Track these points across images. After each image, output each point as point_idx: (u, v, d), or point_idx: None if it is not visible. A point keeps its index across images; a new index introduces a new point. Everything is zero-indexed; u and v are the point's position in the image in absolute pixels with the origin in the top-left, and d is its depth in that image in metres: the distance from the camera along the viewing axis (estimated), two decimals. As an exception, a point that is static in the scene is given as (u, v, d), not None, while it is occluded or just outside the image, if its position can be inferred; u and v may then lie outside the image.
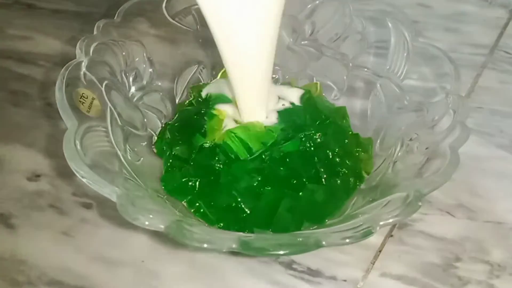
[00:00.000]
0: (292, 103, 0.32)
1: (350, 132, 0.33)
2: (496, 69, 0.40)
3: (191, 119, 0.32)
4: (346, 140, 0.32)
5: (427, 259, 0.30)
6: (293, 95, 0.33)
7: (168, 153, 0.31)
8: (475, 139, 0.35)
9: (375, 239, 0.31)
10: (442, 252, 0.30)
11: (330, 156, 0.30)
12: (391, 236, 0.31)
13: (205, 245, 0.20)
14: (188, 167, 0.30)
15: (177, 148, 0.30)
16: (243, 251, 0.21)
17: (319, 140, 0.30)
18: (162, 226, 0.21)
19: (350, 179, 0.30)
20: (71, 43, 0.43)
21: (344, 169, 0.30)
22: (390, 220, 0.22)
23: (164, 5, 0.34)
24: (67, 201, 0.33)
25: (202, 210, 0.28)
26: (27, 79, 0.41)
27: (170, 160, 0.31)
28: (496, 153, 0.35)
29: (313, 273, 0.29)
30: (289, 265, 0.30)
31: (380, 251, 0.30)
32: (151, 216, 0.21)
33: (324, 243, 0.21)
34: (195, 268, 0.29)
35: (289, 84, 0.36)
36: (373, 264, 0.30)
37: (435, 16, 0.44)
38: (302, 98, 0.33)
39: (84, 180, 0.23)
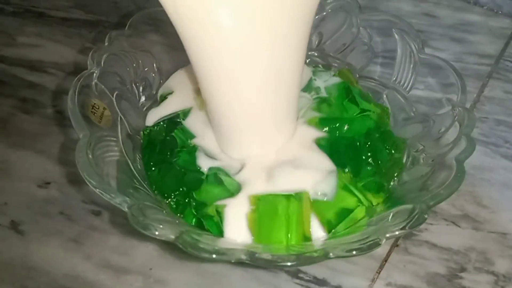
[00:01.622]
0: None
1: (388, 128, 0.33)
2: (501, 79, 0.40)
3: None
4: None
5: (432, 269, 0.30)
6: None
7: None
8: (481, 149, 0.36)
9: (381, 249, 0.31)
10: (447, 262, 0.30)
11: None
12: (397, 246, 0.31)
13: (214, 256, 0.21)
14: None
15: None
16: (251, 262, 0.21)
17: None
18: (173, 236, 0.21)
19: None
20: (81, 52, 0.44)
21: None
22: (397, 233, 0.22)
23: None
24: (77, 208, 0.33)
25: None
26: (38, 87, 0.42)
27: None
28: (502, 163, 0.35)
29: (319, 282, 0.30)
30: (295, 274, 0.30)
31: (385, 261, 0.30)
32: (161, 226, 0.22)
33: (331, 254, 0.21)
34: (202, 276, 0.30)
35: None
36: (379, 273, 0.30)
37: (441, 26, 0.44)
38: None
39: (96, 190, 0.23)
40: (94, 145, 0.26)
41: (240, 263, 0.30)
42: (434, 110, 0.31)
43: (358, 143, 0.30)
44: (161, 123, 0.33)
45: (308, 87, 0.35)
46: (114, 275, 0.30)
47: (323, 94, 0.34)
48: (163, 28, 0.35)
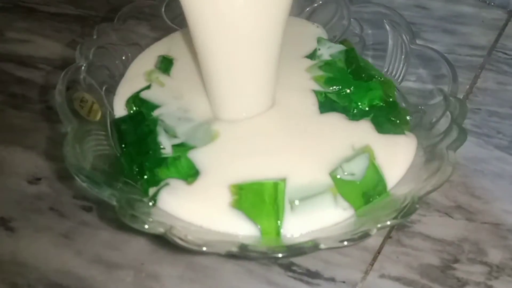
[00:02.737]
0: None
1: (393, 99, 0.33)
2: (494, 71, 0.40)
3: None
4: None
5: (425, 261, 0.30)
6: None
7: None
8: (473, 140, 0.35)
9: (374, 241, 0.31)
10: (441, 253, 0.30)
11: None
12: (390, 237, 0.31)
13: (204, 248, 0.21)
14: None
15: None
16: (241, 254, 0.21)
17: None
18: (162, 230, 0.21)
19: None
20: (71, 46, 0.43)
21: None
22: (388, 223, 0.22)
23: (163, 8, 0.35)
24: (67, 204, 0.33)
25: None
26: (27, 82, 0.41)
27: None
28: (494, 154, 0.35)
29: (312, 274, 0.29)
30: (288, 267, 0.30)
31: (378, 253, 0.30)
32: (151, 219, 0.22)
33: (322, 245, 0.21)
34: (194, 270, 0.30)
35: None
36: (372, 265, 0.30)
37: (433, 17, 0.44)
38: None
39: (84, 184, 0.23)
40: (82, 139, 0.26)
41: (232, 256, 0.30)
42: (425, 101, 0.31)
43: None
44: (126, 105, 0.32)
45: (312, 55, 0.35)
46: (106, 270, 0.30)
47: (328, 58, 0.35)
48: (153, 22, 0.35)
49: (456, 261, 0.30)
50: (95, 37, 0.31)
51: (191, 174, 0.28)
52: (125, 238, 0.31)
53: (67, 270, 0.30)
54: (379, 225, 0.21)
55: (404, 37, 0.32)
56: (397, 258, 0.30)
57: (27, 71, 0.42)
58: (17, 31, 0.45)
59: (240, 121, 0.30)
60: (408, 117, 0.32)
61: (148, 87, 0.32)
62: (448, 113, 0.27)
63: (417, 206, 0.22)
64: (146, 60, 0.34)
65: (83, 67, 0.29)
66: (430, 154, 0.28)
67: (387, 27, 0.33)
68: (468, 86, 0.39)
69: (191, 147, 0.29)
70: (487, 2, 0.45)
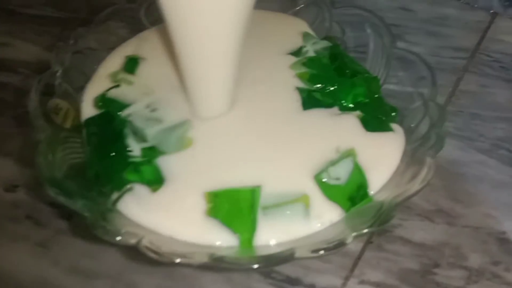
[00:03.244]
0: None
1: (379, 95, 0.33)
2: (477, 73, 0.40)
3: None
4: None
5: (405, 266, 0.30)
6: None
7: None
8: (455, 143, 0.35)
9: (354, 246, 0.30)
10: (421, 258, 0.30)
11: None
12: (371, 242, 0.31)
13: (178, 260, 0.20)
14: None
15: None
16: (215, 265, 0.20)
17: None
18: (133, 241, 0.21)
19: None
20: (51, 50, 0.43)
21: None
22: (364, 231, 0.22)
23: (142, 11, 0.34)
24: (44, 212, 0.32)
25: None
26: (7, 86, 0.40)
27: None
28: (476, 157, 0.35)
29: (292, 281, 0.29)
30: (268, 274, 0.29)
31: (359, 258, 0.30)
32: (123, 231, 0.21)
33: (296, 255, 0.21)
34: (173, 279, 0.29)
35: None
36: (352, 271, 0.30)
37: (417, 19, 0.44)
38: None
39: (55, 196, 0.22)
40: (56, 147, 0.25)
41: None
42: (406, 104, 0.31)
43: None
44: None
45: (297, 52, 0.35)
46: (83, 280, 0.29)
47: (313, 54, 0.34)
48: (132, 25, 0.34)
49: (436, 265, 0.30)
50: (71, 42, 0.30)
51: (155, 181, 0.27)
52: (103, 247, 0.30)
53: (44, 280, 0.29)
54: (354, 234, 0.21)
55: (385, 40, 0.32)
56: (378, 264, 0.30)
57: (6, 75, 0.41)
58: (-3, 34, 0.45)
59: (217, 123, 0.30)
60: (394, 114, 0.32)
61: (116, 87, 0.32)
62: (427, 118, 0.27)
63: (393, 214, 0.22)
64: (112, 62, 0.33)
65: (58, 73, 0.28)
66: (410, 159, 0.28)
67: (368, 30, 0.33)
68: (451, 89, 0.39)
69: (162, 153, 0.28)
70: (471, 4, 0.45)
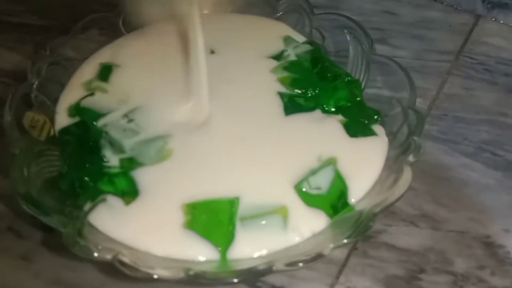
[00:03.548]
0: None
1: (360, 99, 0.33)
2: (461, 76, 0.40)
3: None
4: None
5: (391, 272, 0.30)
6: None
7: None
8: (439, 147, 0.35)
9: (340, 253, 0.30)
10: (406, 264, 0.30)
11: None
12: (356, 249, 0.30)
13: (155, 276, 0.20)
14: None
15: None
16: (193, 280, 0.20)
17: None
18: (109, 257, 0.20)
19: None
20: (33, 58, 0.42)
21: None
22: (343, 241, 0.22)
23: (120, 21, 0.34)
24: (26, 224, 0.32)
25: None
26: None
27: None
28: (460, 160, 0.35)
29: (277, 290, 0.29)
30: (253, 283, 0.29)
31: (344, 265, 0.30)
32: (99, 247, 0.21)
33: (274, 268, 0.20)
34: (156, 290, 0.29)
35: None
36: (338, 278, 0.29)
37: (401, 23, 0.44)
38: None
39: (30, 211, 0.22)
40: (32, 161, 0.25)
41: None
42: (386, 111, 0.31)
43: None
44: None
45: (279, 56, 0.34)
46: (65, 292, 0.29)
47: (294, 58, 0.34)
48: (110, 34, 0.34)
49: (422, 271, 0.30)
50: (48, 52, 0.30)
51: (129, 193, 0.27)
52: (85, 260, 0.30)
53: (25, 293, 0.29)
54: (331, 245, 0.21)
55: (364, 46, 0.32)
56: (363, 270, 0.30)
57: (-13, 84, 0.41)
58: (-21, 43, 0.44)
59: (198, 132, 0.29)
60: (376, 117, 0.32)
61: (91, 95, 0.31)
62: (405, 125, 0.27)
63: (372, 224, 0.22)
64: (86, 70, 0.33)
65: (34, 85, 0.28)
66: (391, 165, 0.28)
67: (348, 37, 0.32)
68: (435, 92, 0.39)
69: (141, 164, 0.28)
70: (455, 6, 0.45)
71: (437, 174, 0.34)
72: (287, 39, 0.35)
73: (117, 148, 0.28)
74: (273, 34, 0.36)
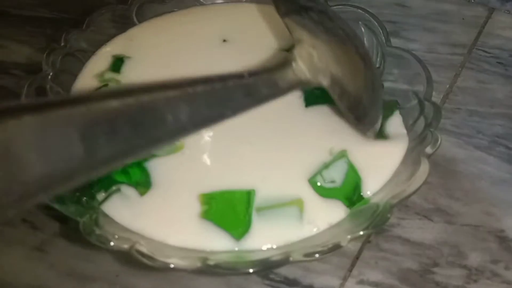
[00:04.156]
0: None
1: None
2: (474, 69, 0.40)
3: None
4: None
5: (404, 265, 0.30)
6: None
7: None
8: (453, 140, 0.35)
9: (353, 246, 0.30)
10: (420, 257, 0.30)
11: None
12: (369, 242, 0.30)
13: (172, 266, 0.20)
14: None
15: None
16: (208, 270, 0.20)
17: None
18: (126, 247, 0.20)
19: None
20: (44, 51, 0.42)
21: None
22: (360, 233, 0.22)
23: (134, 12, 0.34)
24: (40, 215, 0.32)
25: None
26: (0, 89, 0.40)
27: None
28: (474, 154, 0.35)
29: (290, 282, 0.29)
30: (265, 275, 0.29)
31: (357, 258, 0.30)
32: (116, 236, 0.21)
33: (291, 259, 0.20)
34: (170, 282, 0.29)
35: None
36: (350, 271, 0.29)
37: (414, 15, 0.44)
38: None
39: (47, 201, 0.22)
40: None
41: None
42: (402, 103, 0.30)
43: None
44: None
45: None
46: (79, 283, 0.29)
47: None
48: (124, 26, 0.34)
49: (435, 265, 0.30)
50: (62, 44, 0.30)
51: (143, 183, 0.27)
52: (99, 250, 0.29)
53: (40, 284, 0.29)
54: (349, 237, 0.21)
55: (379, 38, 0.32)
56: (376, 264, 0.30)
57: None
58: (-11, 36, 0.44)
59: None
60: (395, 111, 0.31)
61: (105, 86, 0.31)
62: (422, 117, 0.27)
63: (389, 216, 0.21)
64: (99, 61, 0.33)
65: (49, 76, 0.28)
66: (407, 158, 0.28)
67: (362, 29, 0.32)
68: (448, 86, 0.38)
69: (154, 155, 0.28)
70: (468, -1, 0.44)
71: (451, 168, 0.34)
72: None
73: None
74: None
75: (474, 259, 0.30)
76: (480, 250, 0.30)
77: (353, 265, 0.30)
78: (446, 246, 0.30)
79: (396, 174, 0.27)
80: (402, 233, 0.31)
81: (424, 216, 0.32)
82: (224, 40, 0.34)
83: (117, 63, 0.33)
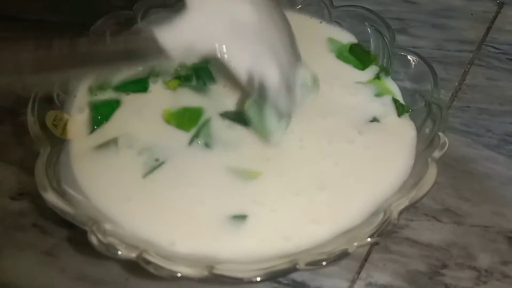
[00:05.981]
0: None
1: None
2: (483, 66, 0.39)
3: None
4: None
5: (413, 267, 0.29)
6: None
7: None
8: (462, 139, 0.35)
9: (361, 248, 0.30)
10: (428, 259, 0.30)
11: None
12: (377, 244, 0.30)
13: (179, 275, 0.20)
14: None
15: None
16: (217, 278, 0.20)
17: None
18: (134, 255, 0.21)
19: None
20: (52, 56, 0.43)
21: None
22: (367, 240, 0.21)
23: (139, 18, 0.34)
24: (51, 220, 0.32)
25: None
26: (9, 94, 0.40)
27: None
28: (484, 153, 0.34)
29: (298, 285, 0.29)
30: (274, 279, 0.29)
31: (365, 260, 0.30)
32: (124, 245, 0.21)
33: (298, 266, 0.20)
34: (179, 285, 0.29)
35: None
36: (359, 274, 0.29)
37: (422, 12, 0.43)
38: None
39: (55, 210, 0.22)
40: (57, 160, 0.25)
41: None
42: (409, 104, 0.30)
43: None
44: None
45: None
46: (90, 287, 0.30)
47: None
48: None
49: (444, 266, 0.29)
50: (68, 51, 0.30)
51: None
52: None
53: (51, 288, 0.30)
54: (355, 244, 0.21)
55: (385, 39, 0.31)
56: (384, 266, 0.30)
57: (8, 82, 0.41)
58: (-2, 41, 0.45)
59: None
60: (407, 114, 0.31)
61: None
62: (429, 120, 0.27)
63: (396, 221, 0.21)
64: None
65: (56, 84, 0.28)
66: (416, 159, 0.28)
67: (369, 30, 0.32)
68: (457, 83, 0.38)
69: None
70: (477, -7, 0.43)
71: (460, 167, 0.33)
72: (332, 42, 0.34)
73: None
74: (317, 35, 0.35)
75: (484, 260, 0.29)
76: (490, 251, 0.30)
77: (361, 267, 0.30)
78: (455, 247, 0.30)
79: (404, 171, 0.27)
80: (410, 235, 0.31)
81: (433, 217, 0.31)
82: None
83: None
